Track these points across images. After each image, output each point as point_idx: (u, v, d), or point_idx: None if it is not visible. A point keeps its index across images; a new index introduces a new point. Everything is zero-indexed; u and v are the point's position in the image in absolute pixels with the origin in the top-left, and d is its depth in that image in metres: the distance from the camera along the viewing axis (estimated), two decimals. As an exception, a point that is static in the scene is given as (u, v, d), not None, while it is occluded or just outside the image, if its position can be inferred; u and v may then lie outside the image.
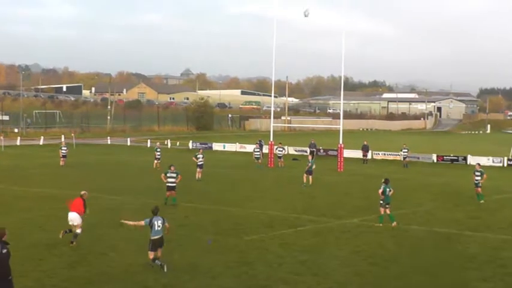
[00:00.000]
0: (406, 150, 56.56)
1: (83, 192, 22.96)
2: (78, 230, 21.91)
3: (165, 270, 18.29)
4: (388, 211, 26.51)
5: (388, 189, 26.71)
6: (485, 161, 54.38)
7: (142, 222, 19.06)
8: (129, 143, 78.52)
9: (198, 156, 42.50)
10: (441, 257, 21.12)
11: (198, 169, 41.62)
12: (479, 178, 33.12)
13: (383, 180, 27.35)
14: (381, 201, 26.67)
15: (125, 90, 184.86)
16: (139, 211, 26.79)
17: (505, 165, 56.74)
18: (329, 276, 18.54)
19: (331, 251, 21.78)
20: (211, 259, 20.08)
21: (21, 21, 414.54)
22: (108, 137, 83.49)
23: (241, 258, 20.33)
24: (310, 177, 39.46)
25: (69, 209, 22.30)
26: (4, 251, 14.08)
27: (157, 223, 18.83)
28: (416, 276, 18.79)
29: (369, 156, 60.52)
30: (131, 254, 19.41)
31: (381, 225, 26.28)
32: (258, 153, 53.79)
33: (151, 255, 18.72)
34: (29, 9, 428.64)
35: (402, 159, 56.67)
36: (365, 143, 61.27)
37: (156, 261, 18.65)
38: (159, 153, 48.93)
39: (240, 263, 19.71)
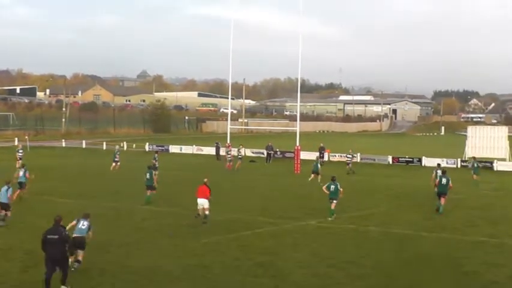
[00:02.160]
0: (350, 156, 53.75)
1: (205, 180, 27.41)
2: (207, 212, 26.39)
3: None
4: (333, 206, 28.27)
5: (332, 186, 28.37)
6: (439, 162, 55.00)
7: (74, 222, 19.24)
8: (84, 146, 77.55)
9: (157, 158, 42.62)
10: (398, 258, 21.31)
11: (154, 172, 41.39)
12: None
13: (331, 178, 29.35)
14: (328, 197, 28.60)
15: (80, 92, 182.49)
16: (93, 216, 26.43)
17: (459, 166, 57.65)
18: (287, 278, 18.53)
19: (289, 252, 21.79)
20: (169, 263, 19.91)
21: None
22: (63, 140, 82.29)
23: (199, 261, 20.19)
24: (319, 176, 41.27)
25: (197, 196, 26.65)
26: (67, 232, 17.12)
27: (83, 222, 19.03)
28: (374, 277, 18.89)
29: (326, 158, 60.83)
30: (86, 258, 19.07)
31: (329, 219, 27.87)
32: (230, 155, 53.93)
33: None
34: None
35: (346, 164, 52.83)
36: (321, 145, 61.65)
37: (75, 264, 18.41)
38: (118, 155, 48.53)
39: (197, 266, 19.57)
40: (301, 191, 38.60)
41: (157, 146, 72.79)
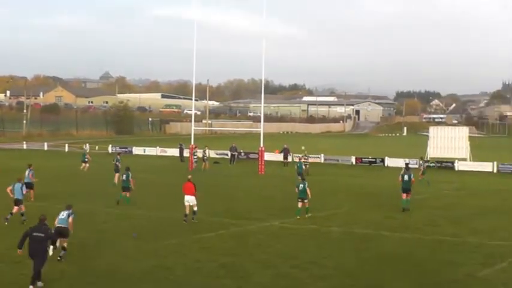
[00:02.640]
0: (306, 157, 52.36)
1: (189, 177, 28.28)
2: (195, 208, 27.15)
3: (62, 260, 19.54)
4: (300, 205, 28.72)
5: (301, 185, 28.92)
6: (402, 162, 55.46)
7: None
8: (46, 148, 76.67)
9: (119, 159, 42.33)
10: (361, 258, 21.41)
11: (116, 174, 41.05)
12: None
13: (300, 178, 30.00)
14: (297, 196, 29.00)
15: (41, 94, 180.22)
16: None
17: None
18: (250, 279, 18.50)
19: (252, 253, 21.76)
20: (131, 264, 19.76)
21: None
22: (24, 142, 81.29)
23: (161, 262, 20.07)
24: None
25: (184, 193, 27.38)
26: (52, 231, 18.26)
27: (62, 213, 20.69)
28: (336, 278, 18.95)
29: (290, 159, 60.92)
30: (48, 262, 18.79)
31: (298, 217, 28.30)
32: (196, 157, 53.89)
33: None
34: None
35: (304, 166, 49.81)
36: (285, 146, 61.75)
37: (62, 252, 19.81)
38: (87, 155, 50.20)
39: (159, 267, 19.46)
40: (265, 192, 38.63)
41: (120, 148, 72.27)
